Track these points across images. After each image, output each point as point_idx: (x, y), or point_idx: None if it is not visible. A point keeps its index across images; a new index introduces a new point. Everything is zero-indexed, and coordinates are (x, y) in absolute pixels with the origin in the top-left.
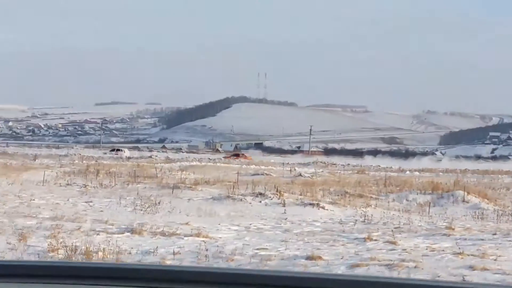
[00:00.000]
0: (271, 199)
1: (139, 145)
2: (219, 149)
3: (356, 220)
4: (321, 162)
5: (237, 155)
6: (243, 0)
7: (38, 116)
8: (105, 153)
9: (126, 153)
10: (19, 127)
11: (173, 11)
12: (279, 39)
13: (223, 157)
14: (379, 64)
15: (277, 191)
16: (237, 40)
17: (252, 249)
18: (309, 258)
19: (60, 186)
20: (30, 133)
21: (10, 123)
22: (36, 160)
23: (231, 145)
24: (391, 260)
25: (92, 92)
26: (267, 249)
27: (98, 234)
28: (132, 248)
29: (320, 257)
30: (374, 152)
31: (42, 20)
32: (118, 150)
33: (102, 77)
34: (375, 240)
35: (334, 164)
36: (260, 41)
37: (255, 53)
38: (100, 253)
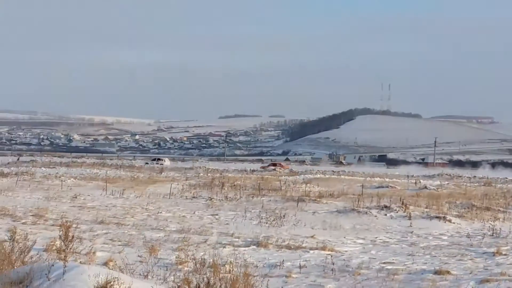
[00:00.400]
0: (397, 212)
1: (263, 158)
2: (343, 161)
3: (484, 234)
4: (446, 174)
5: (274, 165)
6: (373, 15)
7: (164, 129)
8: (147, 163)
9: (167, 162)
10: (145, 140)
11: (292, 31)
12: (404, 50)
13: (260, 167)
14: (506, 74)
15: (402, 204)
16: (361, 52)
17: (378, 263)
18: (437, 272)
19: (186, 199)
20: (156, 146)
21: (137, 137)
22: (162, 173)
23: (355, 157)
24: None
25: (216, 106)
26: (393, 263)
27: (224, 247)
28: (258, 261)
29: (448, 272)
30: (501, 164)
31: (166, 38)
32: (159, 159)
33: (226, 90)
34: (505, 254)
35: (460, 176)
36: (383, 53)
37: (378, 64)
38: (227, 267)
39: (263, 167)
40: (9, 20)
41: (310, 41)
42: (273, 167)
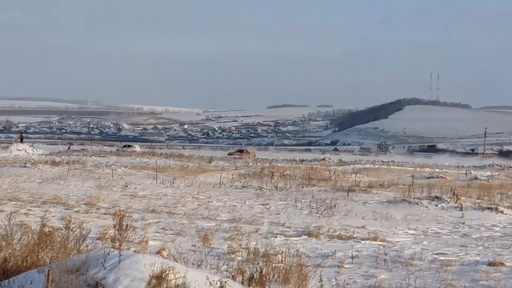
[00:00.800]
0: (448, 202)
1: (311, 148)
2: (391, 151)
3: None
4: (497, 164)
5: (241, 151)
6: (422, 4)
7: (212, 119)
8: (118, 149)
9: (137, 148)
10: (194, 130)
11: (345, 16)
12: (453, 39)
13: (228, 154)
14: None
15: (453, 194)
16: (410, 41)
17: (431, 254)
18: (490, 264)
19: (236, 188)
20: (205, 136)
21: (186, 126)
22: (212, 162)
23: (403, 147)
24: None
25: (264, 95)
26: (446, 254)
27: (275, 237)
28: (310, 251)
29: (502, 263)
30: None
31: (216, 28)
32: (129, 146)
33: (274, 80)
34: None
35: (511, 167)
36: (432, 42)
37: (428, 54)
38: (279, 256)
39: (230, 154)
40: (59, 10)
41: (359, 29)
42: (239, 154)
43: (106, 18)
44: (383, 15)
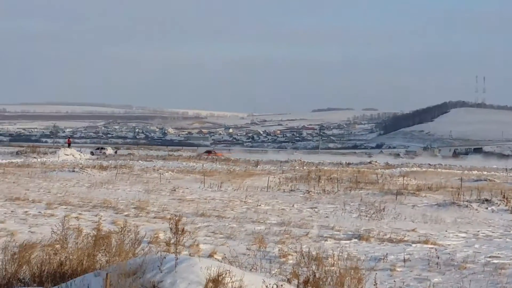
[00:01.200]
0: (498, 205)
1: (356, 151)
2: (437, 154)
3: None
4: None
5: (209, 152)
6: (467, 7)
7: (257, 123)
8: (92, 153)
9: (109, 151)
10: (239, 134)
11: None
12: (500, 41)
13: (196, 155)
14: None
15: (503, 197)
16: (455, 44)
17: (484, 257)
18: None
19: (284, 192)
20: (250, 140)
21: (231, 130)
22: (258, 166)
23: (450, 150)
24: None
25: (309, 99)
26: (499, 257)
27: (326, 240)
28: (362, 254)
29: None
30: None
31: (261, 33)
32: (102, 148)
33: (319, 83)
34: None
35: None
36: (478, 45)
37: (474, 57)
38: (330, 260)
39: (199, 155)
40: (106, 18)
41: (404, 33)
42: (208, 155)
43: (151, 25)
44: (429, 19)
